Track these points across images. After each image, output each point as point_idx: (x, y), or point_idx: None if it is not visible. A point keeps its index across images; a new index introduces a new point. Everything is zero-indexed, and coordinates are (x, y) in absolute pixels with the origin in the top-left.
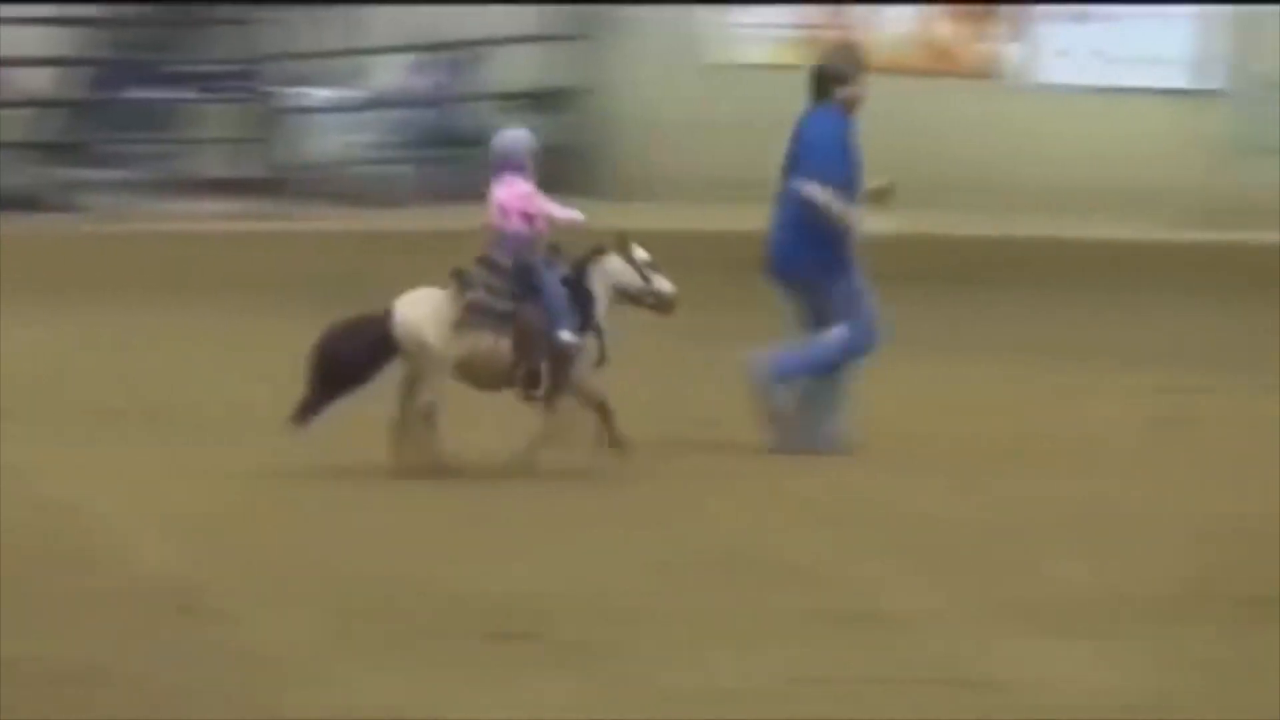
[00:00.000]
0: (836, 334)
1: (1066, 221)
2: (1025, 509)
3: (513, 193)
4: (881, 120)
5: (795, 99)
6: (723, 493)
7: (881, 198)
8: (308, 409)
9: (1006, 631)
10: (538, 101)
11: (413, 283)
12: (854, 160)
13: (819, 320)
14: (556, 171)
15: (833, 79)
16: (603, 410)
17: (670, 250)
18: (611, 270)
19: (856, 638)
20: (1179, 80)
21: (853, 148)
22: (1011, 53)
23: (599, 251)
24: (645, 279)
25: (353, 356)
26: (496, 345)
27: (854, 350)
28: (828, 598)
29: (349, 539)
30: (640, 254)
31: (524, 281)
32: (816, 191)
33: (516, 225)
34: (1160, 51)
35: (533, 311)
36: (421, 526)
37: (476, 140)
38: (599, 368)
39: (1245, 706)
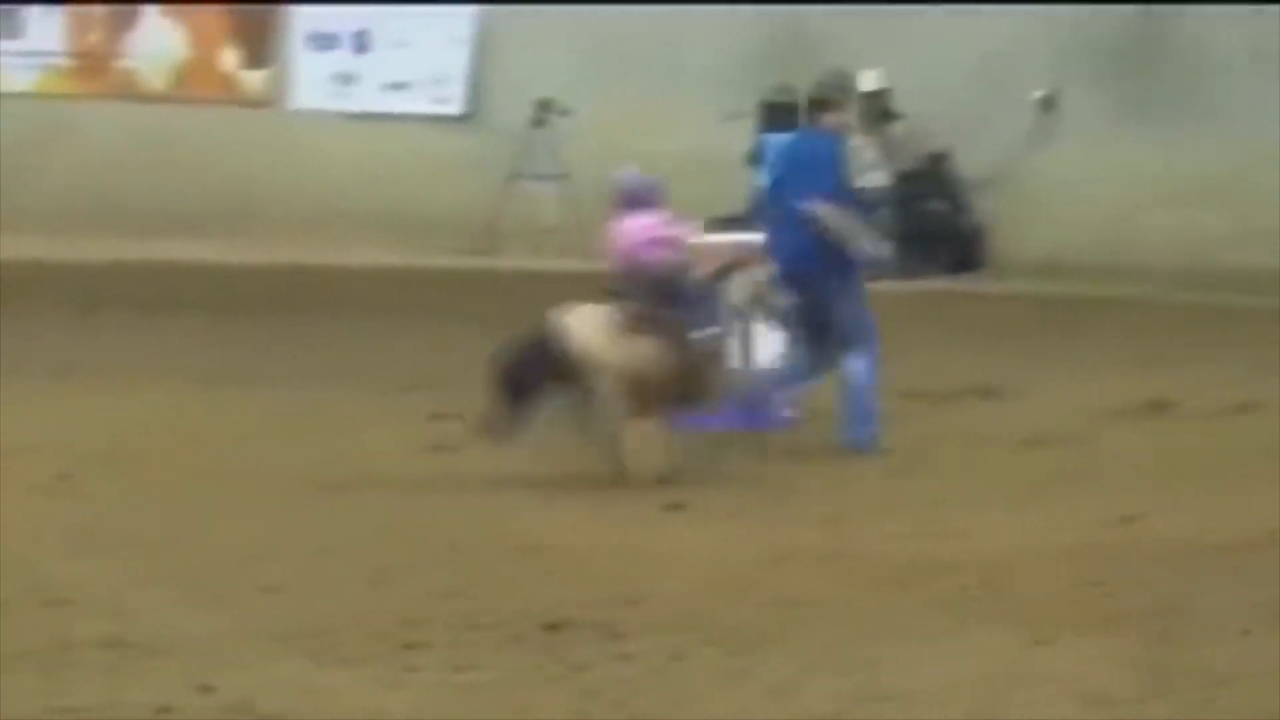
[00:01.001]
0: (863, 367)
1: (336, 249)
2: (304, 532)
3: (650, 224)
4: (152, 148)
5: (65, 127)
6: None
7: None
8: (506, 425)
9: (275, 657)
10: None
11: None
12: (848, 181)
13: (819, 326)
14: None
15: (821, 105)
16: None
17: None
18: (739, 286)
19: (109, 667)
20: (451, 106)
21: (846, 169)
22: (280, 79)
23: (728, 269)
24: (765, 295)
25: (527, 371)
26: (655, 355)
27: (872, 368)
28: (85, 626)
29: None
30: (761, 274)
31: (670, 294)
32: (823, 209)
33: (656, 255)
34: (432, 77)
35: (683, 320)
36: None
37: None
38: None
39: None
